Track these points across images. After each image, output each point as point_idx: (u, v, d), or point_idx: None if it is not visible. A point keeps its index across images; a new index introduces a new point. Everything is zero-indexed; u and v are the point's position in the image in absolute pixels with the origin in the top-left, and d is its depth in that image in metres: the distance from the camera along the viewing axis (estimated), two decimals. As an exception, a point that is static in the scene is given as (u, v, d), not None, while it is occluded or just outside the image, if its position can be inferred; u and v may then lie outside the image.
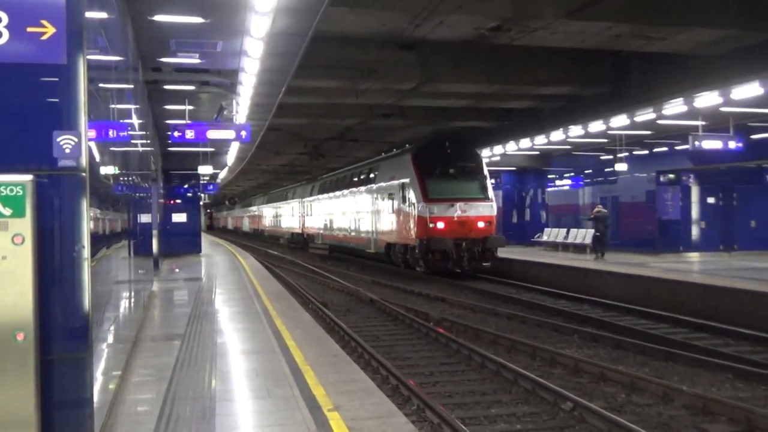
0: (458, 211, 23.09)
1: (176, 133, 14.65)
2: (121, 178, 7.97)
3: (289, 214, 49.01)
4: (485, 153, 27.39)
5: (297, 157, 38.80)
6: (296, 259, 32.90)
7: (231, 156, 29.66)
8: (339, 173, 35.88)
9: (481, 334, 13.23)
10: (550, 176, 30.95)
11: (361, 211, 29.55)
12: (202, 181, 33.08)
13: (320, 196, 37.83)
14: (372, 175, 28.65)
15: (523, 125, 25.07)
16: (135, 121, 9.95)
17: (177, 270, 22.67)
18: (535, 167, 31.28)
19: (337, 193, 34.06)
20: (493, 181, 32.07)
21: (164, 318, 12.37)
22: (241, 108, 16.70)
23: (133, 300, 9.50)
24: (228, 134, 14.80)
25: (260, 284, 16.92)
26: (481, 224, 23.27)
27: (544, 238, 28.88)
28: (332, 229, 34.77)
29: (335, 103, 22.71)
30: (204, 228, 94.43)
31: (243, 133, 14.87)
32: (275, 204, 55.97)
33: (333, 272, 26.44)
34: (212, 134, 14.71)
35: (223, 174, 41.21)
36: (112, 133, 6.21)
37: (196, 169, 26.19)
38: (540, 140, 23.98)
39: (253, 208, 68.71)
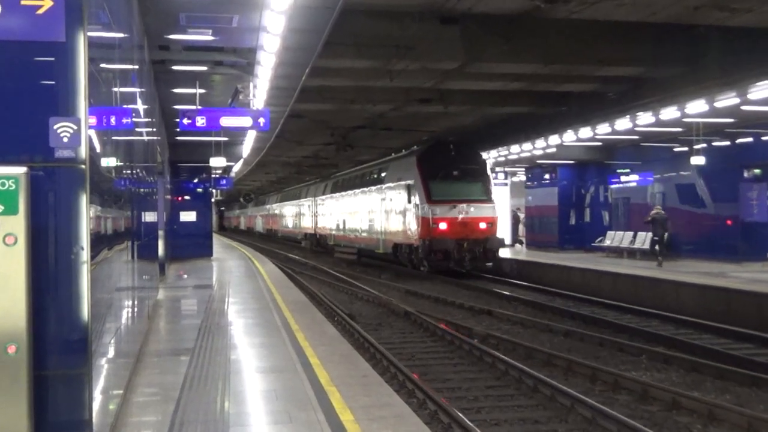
0: (460, 212, 26.89)
1: (186, 120, 14.79)
2: (124, 172, 8.06)
3: (302, 214, 52.01)
4: (539, 144, 27.29)
5: (322, 148, 38.94)
6: (320, 265, 33.06)
7: (247, 146, 29.87)
8: (350, 172, 40.08)
9: (534, 353, 13.16)
10: (619, 171, 30.54)
11: (371, 211, 33.46)
12: (214, 175, 33.38)
13: (333, 195, 41.75)
14: (381, 176, 32.60)
15: (583, 112, 24.91)
16: (140, 106, 10.07)
17: (185, 276, 22.89)
18: (597, 160, 30.99)
19: (349, 192, 37.99)
20: (547, 176, 31.91)
21: (171, 330, 12.49)
22: (259, 92, 16.80)
23: (136, 309, 9.61)
24: (244, 121, 14.90)
25: (279, 293, 17.02)
26: (482, 225, 27.04)
27: (607, 242, 28.62)
28: (344, 230, 38.65)
29: (366, 86, 22.74)
30: (215, 228, 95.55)
31: (261, 121, 14.95)
32: (288, 203, 58.96)
33: (362, 280, 26.54)
34: (226, 121, 14.83)
35: (237, 167, 41.51)
36: (114, 120, 6.28)
37: (208, 162, 26.44)
38: (603, 129, 23.78)
39: (267, 207, 71.55)
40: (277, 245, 54.49)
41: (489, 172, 28.68)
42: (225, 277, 21.60)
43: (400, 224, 29.42)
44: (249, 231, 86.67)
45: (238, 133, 24.73)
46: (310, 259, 37.30)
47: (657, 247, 23.78)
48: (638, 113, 21.89)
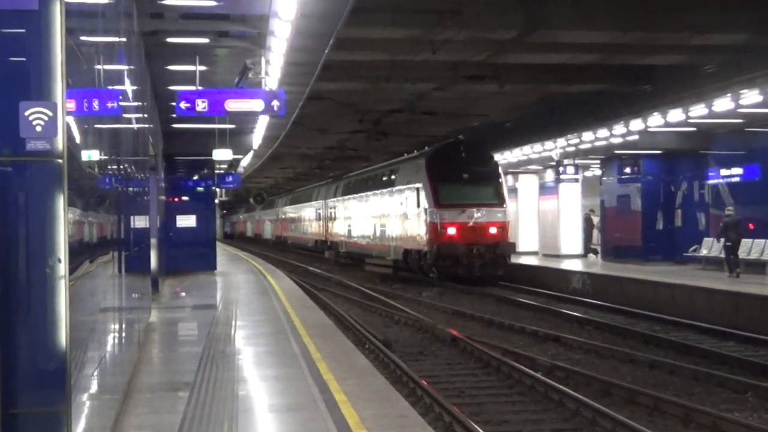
0: (470, 216, 30.55)
1: (183, 104, 14.91)
2: (110, 167, 8.14)
3: (312, 218, 54.90)
4: (617, 130, 27.14)
5: (349, 136, 39.03)
6: (347, 280, 33.13)
7: (258, 136, 30.04)
8: (361, 173, 44.20)
9: (611, 389, 13.07)
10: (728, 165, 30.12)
11: (382, 215, 37.47)
12: (218, 171, 33.57)
13: (344, 198, 45.51)
14: (392, 178, 36.41)
15: (672, 90, 24.68)
16: (128, 87, 10.17)
17: (183, 294, 23.04)
18: (690, 150, 30.68)
19: (360, 195, 41.71)
20: (628, 169, 31.67)
21: (166, 360, 12.58)
22: (273, 69, 16.89)
23: (124, 334, 9.70)
24: (255, 105, 14.98)
25: (298, 314, 17.08)
26: (493, 230, 30.62)
27: (703, 251, 28.29)
28: (355, 236, 42.41)
29: (403, 60, 22.76)
30: (220, 236, 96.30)
31: (275, 104, 15.03)
32: (298, 206, 61.59)
33: (399, 299, 26.56)
34: (233, 105, 14.92)
35: (246, 161, 41.74)
36: (97, 105, 6.34)
37: (210, 154, 26.63)
38: (697, 111, 23.54)
39: (276, 211, 74.32)
40: (293, 256, 54.72)
41: (501, 174, 32.30)
42: (231, 295, 21.71)
43: (410, 229, 33.08)
44: (257, 238, 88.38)
45: (247, 120, 24.86)
46: (335, 274, 37.41)
47: (731, 255, 23.94)
48: (742, 91, 21.62)
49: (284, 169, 59.04)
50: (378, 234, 38.13)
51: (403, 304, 24.34)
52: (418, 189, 32.29)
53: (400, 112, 31.64)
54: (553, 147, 32.35)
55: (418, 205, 32.16)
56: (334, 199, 48.54)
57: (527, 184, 38.54)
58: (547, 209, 36.03)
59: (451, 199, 31.07)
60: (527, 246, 37.72)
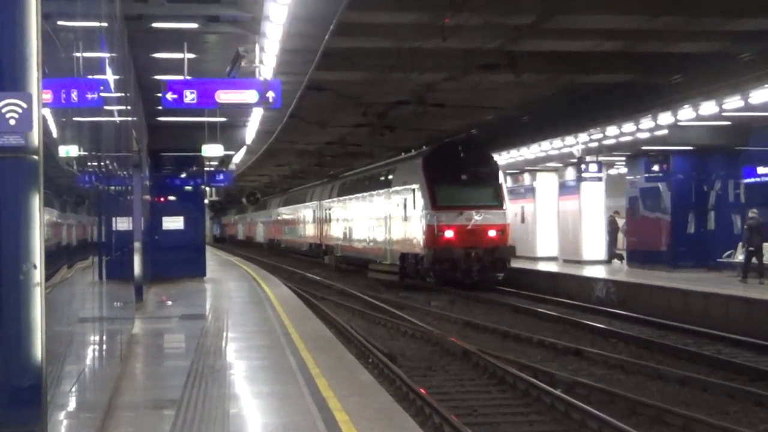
0: (468, 219, 32.04)
1: (170, 96, 14.92)
2: (90, 164, 8.14)
3: (306, 220, 56.60)
4: (645, 124, 27.11)
5: (351, 131, 39.07)
6: (348, 288, 33.16)
7: (252, 130, 30.05)
8: (358, 173, 45.89)
9: (638, 408, 13.06)
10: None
11: (378, 217, 39.05)
12: (207, 168, 33.57)
13: (339, 199, 47.18)
14: (389, 178, 38.01)
15: (705, 80, 24.64)
16: (110, 77, 10.17)
17: (170, 303, 23.05)
18: (725, 146, 30.62)
19: (356, 196, 43.32)
20: (656, 167, 31.60)
21: (151, 375, 12.58)
22: (268, 57, 16.90)
23: (105, 347, 9.70)
24: (248, 96, 14.98)
25: (295, 325, 17.07)
26: (492, 233, 32.14)
27: (739, 257, 28.23)
28: (350, 239, 44.22)
29: (411, 47, 22.77)
30: (209, 239, 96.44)
31: (270, 95, 15.02)
32: (291, 207, 63.31)
33: (405, 308, 26.59)
34: (224, 96, 14.92)
35: (239, 157, 41.77)
36: (76, 96, 6.33)
37: (200, 150, 26.62)
38: (733, 103, 23.50)
39: (268, 213, 75.82)
40: (289, 261, 54.79)
41: (501, 175, 33.93)
42: (222, 304, 21.71)
43: (407, 232, 34.86)
44: (249, 242, 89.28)
45: (239, 113, 24.85)
46: (336, 281, 37.42)
47: (755, 260, 24.35)
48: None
49: (280, 167, 59.11)
50: (374, 237, 39.69)
51: (410, 314, 24.34)
52: (414, 190, 33.85)
53: (406, 104, 31.63)
54: (574, 143, 32.33)
55: (415, 207, 33.73)
56: (330, 200, 49.73)
57: (546, 183, 38.51)
58: (567, 211, 36.00)
59: (449, 201, 32.47)
60: (546, 251, 37.71)
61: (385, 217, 37.82)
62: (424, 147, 38.12)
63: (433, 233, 32.08)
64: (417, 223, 33.53)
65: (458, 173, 32.88)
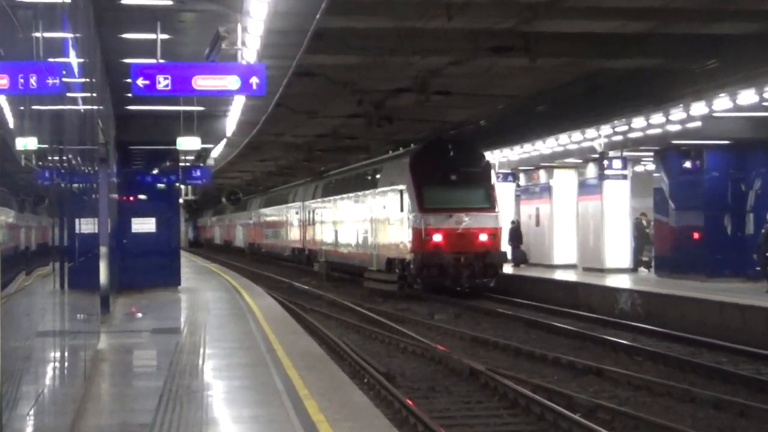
0: (458, 222, 33.64)
1: (141, 82, 14.91)
2: (50, 158, 8.15)
3: (289, 223, 58.21)
4: (675, 115, 27.10)
5: (345, 122, 39.07)
6: (341, 299, 33.21)
7: (233, 120, 30.02)
8: (343, 172, 47.51)
9: (667, 435, 13.05)
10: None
11: (364, 220, 40.44)
12: (183, 163, 33.52)
13: (324, 200, 48.84)
14: (375, 178, 39.52)
15: (744, 65, 24.63)
16: (73, 60, 10.18)
17: (140, 315, 23.03)
18: (766, 140, 30.63)
19: (341, 196, 44.99)
20: (688, 164, 31.58)
21: (119, 396, 12.56)
22: (251, 38, 16.89)
23: (67, 364, 9.70)
24: (229, 83, 14.98)
25: (281, 341, 17.07)
26: (483, 237, 33.73)
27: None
28: (336, 244, 45.71)
29: (412, 28, 22.77)
30: (185, 243, 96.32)
31: (254, 81, 15.02)
32: (273, 208, 65.09)
33: (405, 322, 26.62)
34: (202, 83, 14.91)
35: (218, 151, 41.74)
36: (35, 82, 6.35)
37: (174, 143, 26.60)
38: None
39: (248, 214, 77.26)
40: (274, 269, 54.80)
41: (493, 175, 35.62)
42: (199, 317, 21.69)
43: (393, 236, 36.41)
44: (227, 247, 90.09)
45: (219, 101, 24.85)
46: (327, 291, 37.42)
47: None
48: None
49: (264, 162, 59.07)
50: (360, 241, 41.21)
51: (410, 329, 24.29)
52: (401, 191, 35.27)
53: (407, 92, 31.58)
54: (596, 136, 32.32)
55: (402, 209, 35.19)
56: (314, 200, 51.03)
57: (564, 181, 38.53)
58: (588, 212, 35.97)
59: (437, 203, 34.03)
60: (563, 258, 37.71)
61: (372, 219, 39.13)
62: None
63: (420, 237, 33.51)
64: (404, 226, 34.93)
65: (448, 173, 34.31)
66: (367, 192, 40.55)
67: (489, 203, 34.44)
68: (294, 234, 56.61)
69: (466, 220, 33.79)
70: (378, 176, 39.27)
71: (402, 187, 35.30)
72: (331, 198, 47.32)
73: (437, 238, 33.56)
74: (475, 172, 34.76)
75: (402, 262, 35.08)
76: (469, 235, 33.67)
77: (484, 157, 35.79)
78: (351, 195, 43.46)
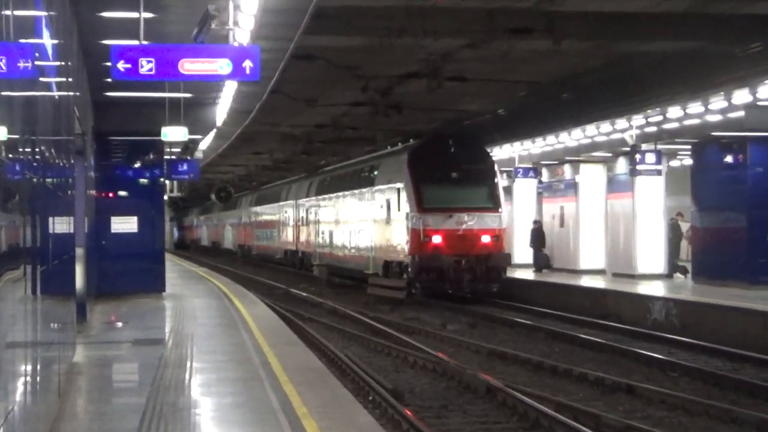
0: (459, 223, 34.78)
1: (122, 65, 14.89)
2: (20, 150, 8.14)
3: (281, 223, 59.68)
4: (715, 104, 27.03)
5: (348, 110, 39.02)
6: (343, 307, 33.21)
7: (224, 109, 30.02)
8: (339, 168, 49.47)
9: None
10: None
11: (360, 220, 41.83)
12: (168, 156, 33.51)
13: (318, 199, 50.47)
14: (372, 175, 40.91)
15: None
16: (47, 41, 10.17)
17: (120, 324, 23.02)
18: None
19: (337, 195, 46.49)
20: (729, 158, 31.52)
21: (97, 415, 12.54)
22: (244, 17, 16.87)
23: (39, 379, 9.69)
24: (219, 66, 14.97)
25: (276, 354, 17.06)
26: (485, 239, 34.90)
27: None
28: (330, 245, 47.33)
29: (422, 6, 22.73)
30: (170, 245, 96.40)
31: (247, 65, 15.01)
32: (264, 207, 66.77)
33: (415, 333, 26.66)
34: (189, 67, 14.90)
35: (207, 143, 41.76)
36: (4, 65, 6.33)
37: (159, 134, 26.60)
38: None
39: (238, 213, 78.60)
40: (269, 273, 54.88)
41: (498, 173, 36.92)
42: (186, 327, 21.69)
43: (390, 237, 37.68)
44: (215, 248, 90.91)
45: (208, 87, 24.84)
46: (327, 298, 37.41)
47: None
48: None
49: (259, 155, 59.04)
50: (356, 243, 42.67)
51: (420, 341, 24.31)
52: (399, 190, 36.61)
53: (417, 78, 31.52)
54: (627, 127, 32.28)
55: (400, 209, 36.53)
56: (307, 199, 52.49)
57: (591, 177, 38.46)
58: (618, 212, 35.94)
59: (437, 202, 35.35)
60: (590, 262, 37.67)
61: (368, 219, 40.47)
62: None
63: (418, 238, 34.68)
64: (401, 227, 36.18)
65: (448, 170, 35.60)
66: (363, 190, 41.80)
67: (492, 203, 35.67)
68: (286, 235, 57.69)
69: (468, 221, 34.91)
70: (375, 173, 40.58)
71: (399, 185, 36.44)
72: (326, 196, 48.58)
73: (437, 239, 34.69)
74: (477, 169, 36.02)
75: (400, 265, 36.25)
76: (471, 237, 34.83)
77: (487, 153, 37.24)
78: (347, 193, 44.67)
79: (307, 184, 53.87)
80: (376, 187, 39.69)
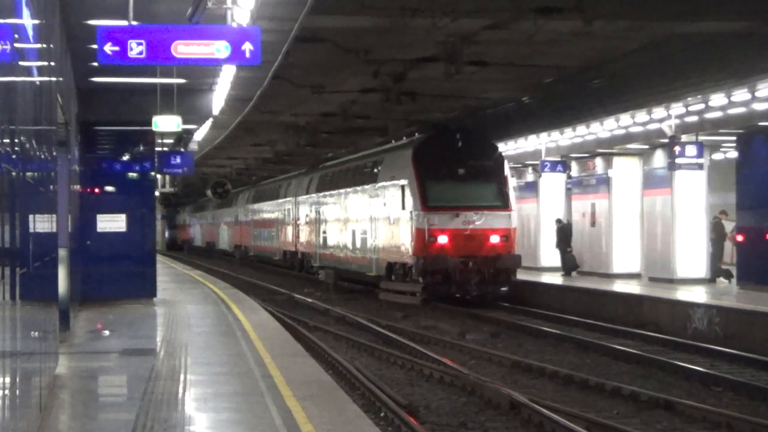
0: (466, 222, 36.06)
1: (110, 48, 14.91)
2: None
3: (280, 222, 60.90)
4: (763, 90, 27.01)
5: (357, 98, 39.06)
6: (352, 314, 33.30)
7: (221, 96, 30.03)
8: (340, 163, 50.88)
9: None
10: None
11: (362, 219, 43.30)
12: (160, 148, 33.53)
13: (318, 195, 51.94)
14: (375, 171, 42.25)
15: None
16: (27, 21, 10.18)
17: (107, 332, 23.05)
18: None
19: (338, 192, 47.79)
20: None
21: (81, 432, 12.58)
22: (244, -5, 16.89)
23: (18, 393, 9.70)
24: (216, 49, 14.99)
25: (279, 365, 17.08)
26: (494, 239, 36.22)
27: None
28: (331, 246, 48.69)
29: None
30: (162, 245, 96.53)
31: (247, 48, 15.02)
32: (262, 205, 68.10)
33: (431, 343, 26.68)
34: (183, 49, 14.92)
35: (203, 133, 41.78)
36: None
37: (149, 123, 26.61)
38: None
39: (233, 211, 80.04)
40: (270, 277, 55.08)
41: (507, 169, 38.40)
42: (180, 336, 21.72)
43: (394, 237, 38.94)
44: (210, 249, 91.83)
45: (204, 73, 24.87)
46: (335, 304, 37.47)
47: None
48: None
49: (259, 147, 59.12)
50: (358, 243, 43.89)
51: (437, 351, 24.33)
52: (403, 187, 37.93)
53: (433, 62, 31.56)
54: (665, 116, 32.23)
55: (404, 207, 37.75)
56: (307, 196, 53.58)
57: (625, 171, 38.44)
58: (655, 210, 35.90)
59: (443, 201, 36.77)
60: (624, 265, 37.67)
61: (371, 218, 41.85)
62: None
63: (423, 239, 36.01)
64: (405, 226, 37.47)
65: (455, 166, 37.00)
66: (366, 187, 42.99)
67: (501, 201, 37.06)
68: (285, 235, 58.60)
69: (476, 220, 36.20)
70: (378, 169, 41.74)
71: (403, 181, 37.76)
72: (327, 193, 49.83)
73: (442, 239, 35.97)
74: (486, 165, 37.36)
75: (403, 266, 37.44)
76: (479, 237, 36.13)
77: (496, 148, 38.37)
78: (348, 190, 45.87)
79: (307, 180, 54.67)
80: (379, 184, 40.81)
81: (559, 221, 40.29)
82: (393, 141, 45.27)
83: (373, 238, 41.19)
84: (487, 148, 37.91)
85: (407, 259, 36.84)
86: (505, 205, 36.85)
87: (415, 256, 35.94)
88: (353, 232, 44.47)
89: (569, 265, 39.61)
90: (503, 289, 35.72)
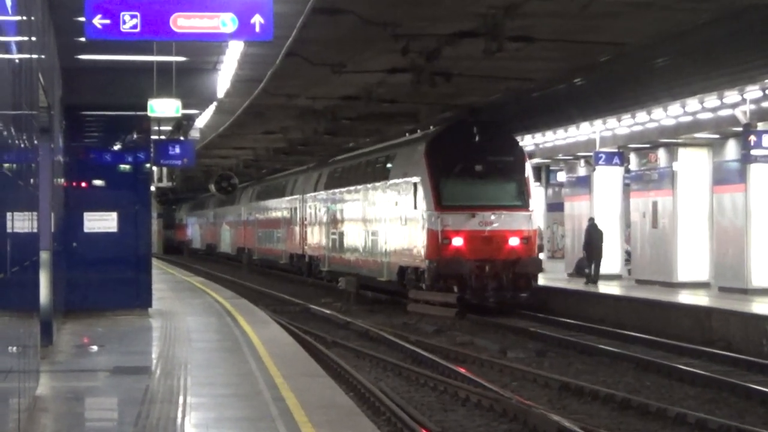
0: (483, 223, 37.66)
1: (99, 21, 14.98)
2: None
3: (286, 222, 62.49)
4: None
5: (384, 78, 39.04)
6: (375, 328, 33.33)
7: (226, 77, 30.09)
8: (351, 157, 53.23)
9: None
10: None
11: (373, 220, 45.38)
12: (156, 136, 33.58)
13: (327, 193, 52.87)
14: (387, 167, 44.12)
15: None
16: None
17: (95, 347, 23.11)
18: None
19: (348, 189, 49.13)
20: None
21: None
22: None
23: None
24: (221, 23, 15.04)
25: (292, 387, 17.09)
26: (513, 241, 37.89)
27: None
28: (340, 248, 50.64)
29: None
30: (159, 248, 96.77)
31: (257, 21, 15.06)
32: (267, 203, 69.72)
33: (467, 362, 26.69)
34: (183, 23, 14.97)
35: (206, 119, 41.84)
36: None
37: (144, 108, 26.65)
38: None
39: (236, 210, 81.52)
40: (285, 287, 55.08)
41: (528, 166, 40.22)
42: (178, 352, 21.76)
43: (406, 239, 40.67)
44: (211, 251, 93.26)
45: (206, 49, 24.93)
46: (357, 317, 37.48)
47: None
48: None
49: (270, 135, 59.14)
50: (369, 246, 46.14)
51: (474, 371, 24.37)
52: (415, 185, 39.69)
53: (472, 37, 31.55)
54: (739, 100, 32.15)
55: (416, 207, 39.56)
56: (315, 193, 55.31)
57: (691, 164, 38.39)
58: (727, 209, 35.80)
59: (458, 200, 38.67)
60: (691, 273, 37.60)
61: (382, 219, 44.05)
62: (430, 128, 42.53)
63: (436, 241, 37.78)
64: (417, 227, 39.24)
65: (472, 163, 38.84)
66: (377, 184, 45.10)
67: (522, 200, 39.09)
68: (292, 236, 59.88)
69: (494, 221, 38.01)
70: (389, 165, 42.78)
71: (416, 179, 39.54)
72: (337, 191, 51.05)
73: (457, 242, 37.71)
74: (505, 161, 39.31)
75: (416, 271, 39.19)
76: (497, 239, 37.90)
77: (516, 143, 40.61)
78: (359, 188, 47.92)
79: (316, 175, 56.01)
80: (391, 181, 42.75)
81: (590, 219, 40.64)
82: (418, 131, 46.18)
83: (384, 240, 42.89)
84: (506, 142, 39.68)
85: (419, 263, 38.32)
86: (525, 205, 38.66)
87: (428, 260, 37.42)
88: (364, 234, 46.44)
89: (593, 272, 40.02)
90: (523, 295, 37.12)
